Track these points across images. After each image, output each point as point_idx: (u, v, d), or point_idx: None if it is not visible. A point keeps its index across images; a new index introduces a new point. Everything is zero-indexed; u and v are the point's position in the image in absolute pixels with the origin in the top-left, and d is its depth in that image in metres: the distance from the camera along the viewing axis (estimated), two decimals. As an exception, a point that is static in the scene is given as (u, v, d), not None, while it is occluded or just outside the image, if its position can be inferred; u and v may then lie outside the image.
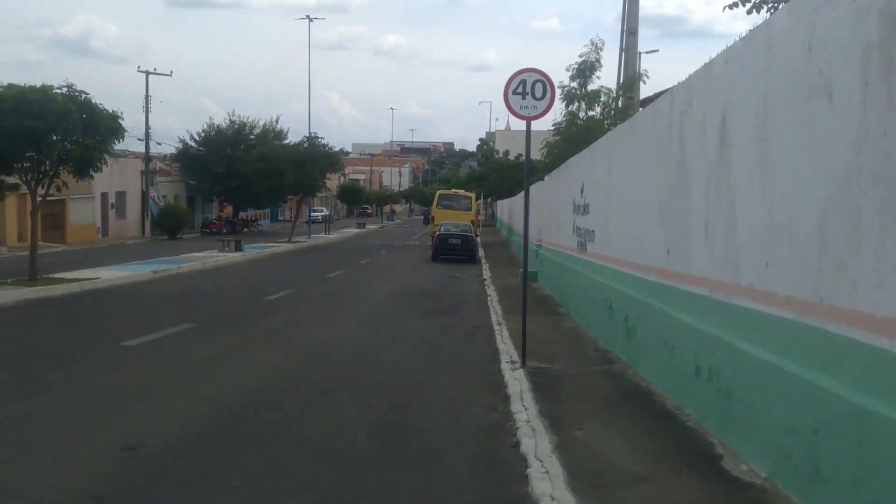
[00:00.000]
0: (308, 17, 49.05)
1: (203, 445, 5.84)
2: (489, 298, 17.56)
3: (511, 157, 76.93)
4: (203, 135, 55.39)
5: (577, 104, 17.50)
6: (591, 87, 17.74)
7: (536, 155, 61.97)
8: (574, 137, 16.82)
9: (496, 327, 12.70)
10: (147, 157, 48.20)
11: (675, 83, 7.87)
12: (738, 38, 5.88)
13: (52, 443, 5.82)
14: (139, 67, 47.69)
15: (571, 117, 17.60)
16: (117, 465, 5.32)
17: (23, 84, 16.41)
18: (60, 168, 17.80)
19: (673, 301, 7.40)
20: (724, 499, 4.73)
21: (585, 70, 17.34)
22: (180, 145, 55.26)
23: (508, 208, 46.78)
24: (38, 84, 16.51)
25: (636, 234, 9.09)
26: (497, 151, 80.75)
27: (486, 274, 24.33)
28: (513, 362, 9.17)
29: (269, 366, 9.20)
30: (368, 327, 12.70)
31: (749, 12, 6.83)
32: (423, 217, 74.06)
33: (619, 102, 17.78)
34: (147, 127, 47.76)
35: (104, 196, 45.03)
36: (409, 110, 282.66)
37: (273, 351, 10.27)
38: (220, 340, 10.97)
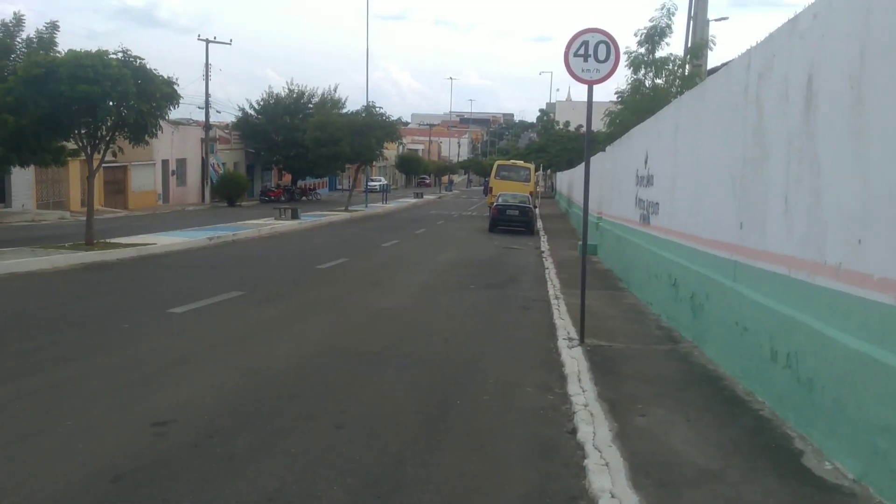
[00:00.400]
0: (367, -17, 48.36)
1: (238, 423, 5.55)
2: (546, 271, 17.04)
3: (571, 128, 75.75)
4: (262, 103, 55.64)
5: (643, 71, 16.63)
6: (659, 53, 16.88)
7: (598, 126, 60.66)
8: (639, 106, 16.01)
9: (553, 301, 12.21)
10: (207, 125, 48.62)
11: (744, 51, 7.20)
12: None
13: (81, 415, 5.61)
14: (199, 36, 47.95)
15: (637, 84, 16.75)
16: (145, 442, 5.06)
17: (79, 49, 16.40)
18: (116, 134, 17.84)
19: (745, 279, 6.80)
20: (807, 502, 4.21)
21: (655, 35, 16.37)
22: (240, 114, 55.61)
23: (568, 180, 45.88)
24: (94, 49, 16.48)
25: (704, 207, 8.47)
26: (557, 122, 79.32)
27: (545, 246, 23.76)
28: (570, 339, 8.69)
29: (316, 336, 8.92)
30: (421, 298, 12.35)
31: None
32: (482, 187, 73.31)
33: (686, 70, 16.85)
34: (207, 95, 48.13)
35: (165, 163, 45.71)
36: (468, 80, 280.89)
37: (321, 321, 9.99)
38: (268, 309, 10.74)
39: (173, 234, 22.58)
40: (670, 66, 16.35)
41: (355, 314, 10.56)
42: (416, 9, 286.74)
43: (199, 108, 48.12)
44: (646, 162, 12.98)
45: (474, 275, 16.19)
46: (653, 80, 16.52)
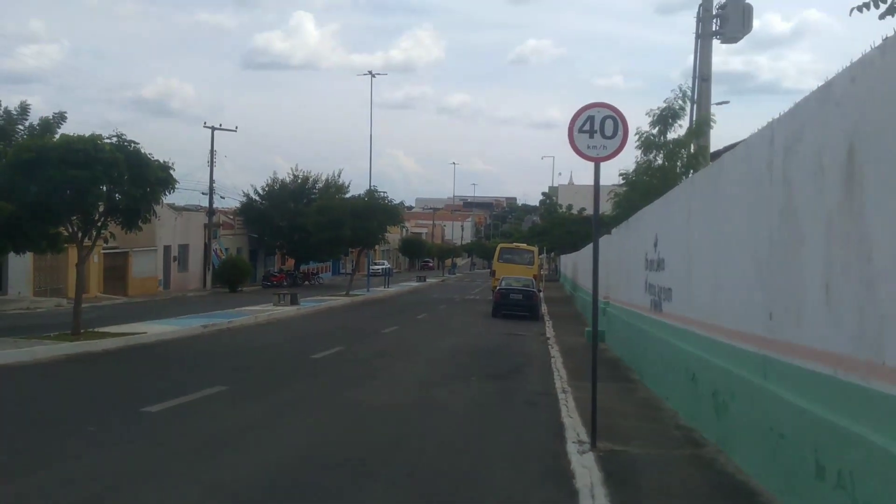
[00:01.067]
0: (370, 72, 49.19)
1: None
2: (553, 360, 16.19)
3: (574, 211, 75.81)
4: (267, 189, 55.81)
5: (654, 153, 16.21)
6: (671, 135, 16.45)
7: (603, 208, 60.18)
8: (647, 188, 15.50)
9: (560, 395, 11.34)
10: (210, 211, 48.54)
11: (765, 125, 6.62)
12: (869, 49, 4.62)
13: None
14: (205, 123, 48.37)
15: (647, 165, 16.29)
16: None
17: (72, 134, 16.06)
18: (108, 219, 17.35)
19: (779, 377, 6.00)
20: None
21: (668, 117, 16.02)
22: (244, 199, 55.65)
23: (573, 263, 45.31)
24: (89, 134, 16.12)
25: (726, 295, 7.74)
26: (560, 205, 79.49)
27: (550, 332, 22.91)
28: (581, 443, 7.82)
29: (297, 441, 8.05)
30: (418, 392, 11.48)
31: (882, 17, 5.56)
32: (487, 269, 72.76)
33: (691, 149, 16.40)
34: (211, 181, 48.23)
35: (167, 249, 45.36)
36: (472, 166, 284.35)
37: (307, 421, 9.12)
38: (251, 407, 9.90)
39: (167, 322, 21.83)
40: (683, 149, 15.93)
41: (344, 414, 9.69)
42: (420, 98, 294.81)
43: (202, 193, 48.10)
44: (655, 245, 12.32)
45: (476, 364, 15.34)
46: (662, 162, 16.03)
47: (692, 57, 16.56)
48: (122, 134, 16.53)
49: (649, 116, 16.46)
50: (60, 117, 22.91)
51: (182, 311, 27.31)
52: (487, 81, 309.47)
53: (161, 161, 17.37)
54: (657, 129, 16.17)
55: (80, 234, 17.10)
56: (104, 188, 16.20)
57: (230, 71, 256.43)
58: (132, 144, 16.50)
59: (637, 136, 16.23)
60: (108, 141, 16.25)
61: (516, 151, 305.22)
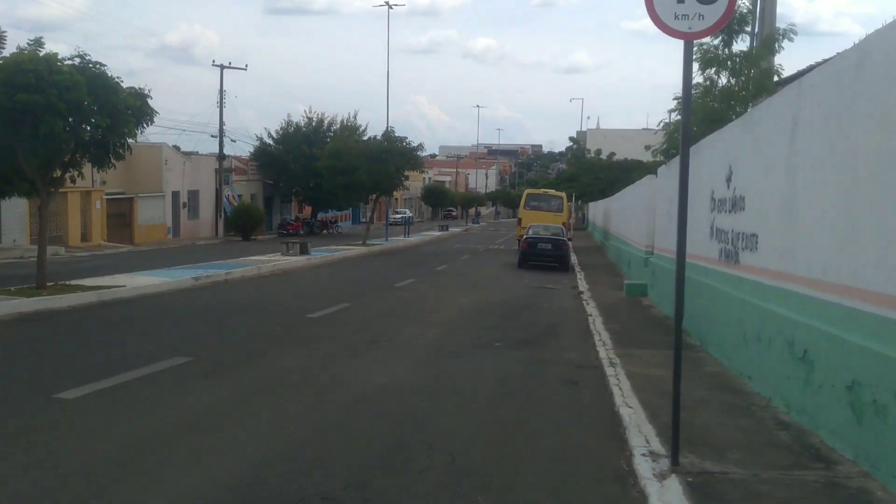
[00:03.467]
0: (387, 2, 45.85)
1: None
2: (590, 319, 13.80)
3: (603, 156, 72.65)
4: (281, 132, 53.25)
5: (714, 69, 13.27)
6: (737, 47, 13.45)
7: (638, 152, 56.82)
8: (707, 113, 12.74)
9: (608, 369, 8.95)
10: (221, 155, 46.20)
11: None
12: None
13: None
14: (214, 61, 45.70)
15: (707, 85, 13.42)
16: None
17: (24, 51, 13.64)
18: (78, 156, 15.03)
19: None
20: None
21: (733, 23, 12.91)
22: (258, 143, 53.17)
23: (604, 210, 42.56)
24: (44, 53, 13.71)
25: (870, 245, 5.24)
26: (588, 151, 76.22)
27: (583, 285, 20.47)
28: (654, 455, 5.42)
29: (252, 448, 5.73)
30: (428, 367, 9.14)
31: None
32: (515, 218, 70.31)
33: (757, 66, 13.44)
34: (221, 123, 45.79)
35: (175, 195, 43.25)
36: (496, 112, 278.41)
37: (271, 416, 6.77)
38: (207, 390, 7.60)
39: (157, 273, 19.65)
40: (752, 68, 12.86)
41: (327, 400, 7.34)
42: (444, 42, 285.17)
43: (211, 136, 45.72)
44: (728, 180, 9.74)
45: (501, 325, 12.98)
46: (727, 81, 13.18)
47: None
48: (85, 54, 14.11)
49: None
50: (38, 43, 20.42)
51: (186, 260, 25.25)
52: (513, 25, 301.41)
53: (136, 88, 14.96)
54: (719, 38, 13.19)
55: (41, 174, 14.73)
56: (62, 118, 13.75)
57: (253, 16, 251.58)
58: (97, 66, 14.09)
59: (697, 50, 13.35)
60: (70, 62, 13.85)
61: (542, 97, 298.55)
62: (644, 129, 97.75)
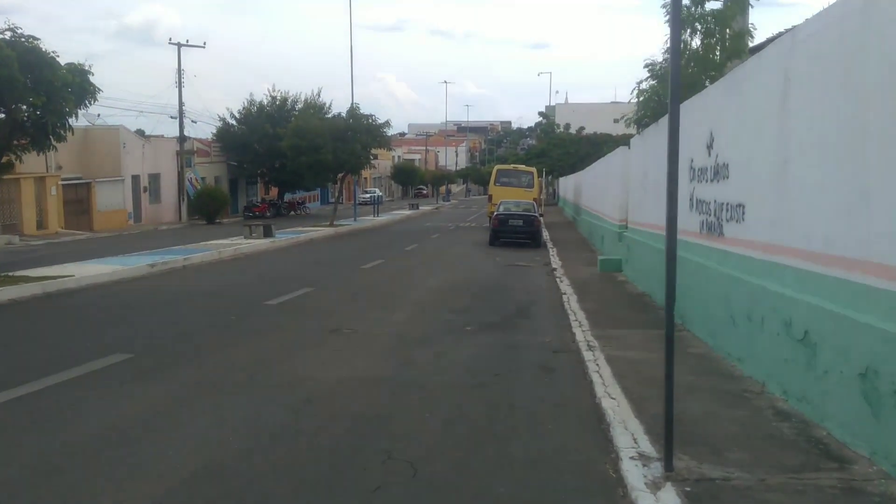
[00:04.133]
0: (350, -23, 44.34)
1: None
2: (565, 297, 13.16)
3: (573, 130, 72.10)
4: (243, 112, 51.82)
5: (687, 31, 12.51)
6: (710, 5, 12.68)
7: (608, 126, 56.25)
8: (685, 77, 12.06)
9: (586, 353, 8.30)
10: (181, 136, 44.78)
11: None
12: None
13: None
14: (170, 39, 44.17)
15: (681, 48, 12.72)
16: None
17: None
18: (16, 139, 14.03)
19: None
20: None
21: None
22: (220, 124, 51.68)
23: (575, 184, 41.99)
24: None
25: (880, 209, 4.60)
26: (558, 125, 75.59)
27: (556, 261, 19.85)
28: (643, 458, 4.76)
29: (191, 460, 4.99)
30: (392, 357, 8.42)
31: None
32: (486, 195, 69.78)
33: (728, 27, 12.67)
34: (181, 103, 44.33)
35: (135, 179, 41.92)
36: (466, 89, 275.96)
37: (218, 418, 6.02)
38: (145, 392, 6.82)
39: (111, 261, 18.67)
40: (725, 28, 12.10)
41: (276, 401, 6.57)
42: (412, 20, 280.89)
43: (170, 117, 44.31)
44: (709, 147, 9.10)
45: (471, 307, 12.29)
46: (701, 42, 12.45)
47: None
48: (16, 27, 13.08)
49: None
50: None
51: (144, 245, 24.21)
52: (481, 0, 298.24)
53: (75, 63, 13.96)
54: None
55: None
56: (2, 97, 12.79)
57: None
58: (30, 40, 13.07)
59: (664, 8, 12.58)
60: (0, 36, 12.82)
61: (511, 73, 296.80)
62: (613, 102, 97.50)
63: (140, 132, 47.75)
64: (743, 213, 7.72)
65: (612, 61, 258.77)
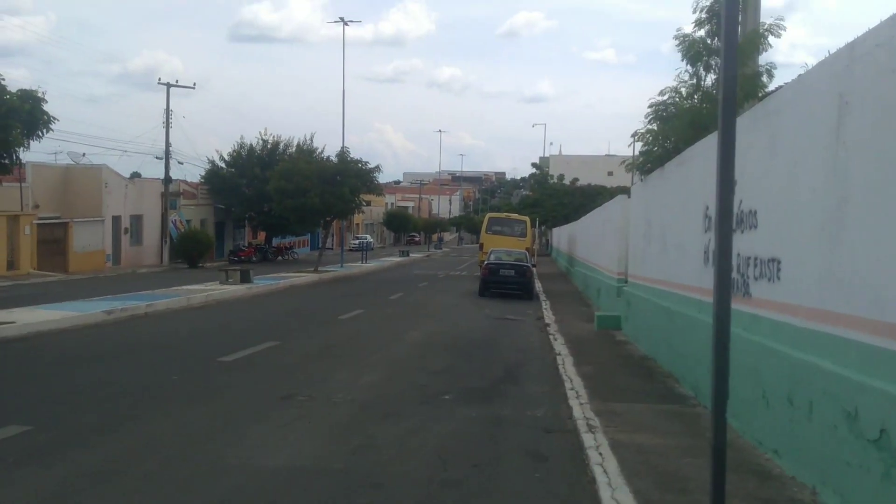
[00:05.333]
0: (342, 19, 43.79)
1: None
2: (559, 358, 11.75)
3: (567, 181, 71.35)
4: (233, 155, 50.74)
5: (699, 65, 11.22)
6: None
7: (601, 178, 55.65)
8: (694, 117, 10.74)
9: (586, 436, 6.84)
10: (167, 177, 43.58)
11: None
12: None
13: None
14: (160, 80, 43.23)
15: (692, 85, 11.37)
16: None
17: None
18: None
19: None
20: None
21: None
22: (209, 166, 50.52)
23: (569, 234, 40.80)
24: None
25: None
26: (551, 176, 74.88)
27: (549, 315, 18.45)
28: None
29: None
30: (349, 436, 6.93)
31: None
32: (478, 244, 68.53)
33: (743, 64, 11.44)
34: (167, 144, 43.24)
35: (116, 220, 40.46)
36: (461, 140, 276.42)
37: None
38: (33, 479, 5.34)
39: (65, 306, 17.16)
40: (745, 60, 10.87)
41: (186, 500, 5.09)
42: (410, 72, 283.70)
43: (156, 157, 43.14)
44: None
45: (453, 368, 10.84)
46: (716, 79, 11.20)
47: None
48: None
49: (695, 12, 11.40)
50: None
51: (114, 289, 22.71)
52: (478, 55, 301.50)
53: (26, 89, 12.70)
54: (705, 29, 11.23)
55: None
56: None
57: (217, 44, 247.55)
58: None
59: (678, 42, 11.33)
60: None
61: (506, 126, 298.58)
62: (607, 155, 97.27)
63: (137, 175, 46.63)
64: (777, 270, 6.37)
65: (606, 115, 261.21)
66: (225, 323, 16.09)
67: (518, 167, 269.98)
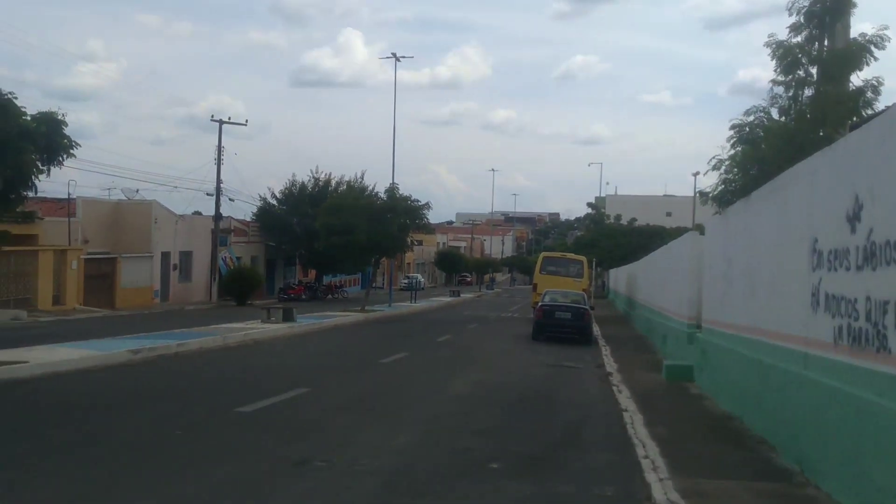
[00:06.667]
0: (394, 54, 43.22)
1: None
2: (626, 415, 10.16)
3: (624, 221, 69.41)
4: (285, 192, 50.34)
5: (802, 70, 9.61)
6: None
7: (659, 219, 53.70)
8: (789, 135, 9.13)
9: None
10: (217, 214, 43.14)
11: None
12: None
13: None
14: (213, 116, 43.08)
15: (789, 98, 9.74)
16: None
17: None
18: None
19: None
20: None
21: (825, 13, 9.18)
22: (261, 203, 50.15)
23: (628, 276, 38.89)
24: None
25: None
26: (608, 216, 72.98)
27: (610, 363, 16.78)
28: None
29: None
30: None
31: None
32: (531, 284, 66.42)
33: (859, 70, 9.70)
34: (218, 181, 42.83)
35: (165, 256, 40.07)
36: (515, 182, 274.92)
37: None
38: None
39: (90, 344, 16.14)
40: (854, 68, 9.23)
41: None
42: (465, 114, 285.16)
43: (207, 194, 42.79)
44: (853, 218, 6.20)
45: (502, 427, 9.32)
46: (817, 88, 9.55)
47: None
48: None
49: (791, 14, 9.71)
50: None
51: (155, 327, 21.89)
52: (533, 98, 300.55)
53: (46, 111, 11.80)
54: (803, 34, 9.60)
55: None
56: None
57: (279, 88, 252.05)
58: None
59: (771, 50, 9.66)
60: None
61: (560, 168, 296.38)
62: (666, 195, 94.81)
63: (198, 213, 46.44)
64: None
65: (663, 158, 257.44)
66: (253, 365, 14.84)
67: (572, 209, 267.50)
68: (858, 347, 6.02)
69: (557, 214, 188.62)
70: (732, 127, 10.82)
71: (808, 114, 9.17)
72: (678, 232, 34.81)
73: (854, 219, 6.20)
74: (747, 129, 10.55)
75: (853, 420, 5.94)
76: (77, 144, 12.33)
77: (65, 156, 12.21)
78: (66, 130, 12.08)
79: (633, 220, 70.31)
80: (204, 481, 6.30)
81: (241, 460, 7.06)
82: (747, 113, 10.67)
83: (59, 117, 11.95)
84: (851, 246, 6.23)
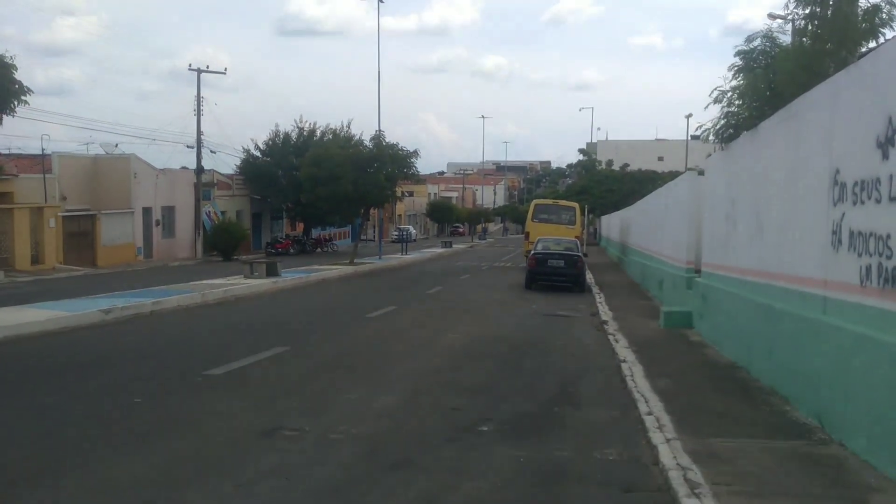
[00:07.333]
0: (376, -6, 41.18)
1: None
2: (625, 367, 9.52)
3: (616, 167, 68.52)
4: (269, 143, 48.94)
5: None
6: None
7: (651, 163, 52.91)
8: (802, 58, 8.27)
9: (684, 497, 4.60)
10: (198, 167, 41.95)
11: None
12: None
13: None
14: (190, 66, 41.59)
15: (807, 16, 8.78)
16: None
17: None
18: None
19: None
20: None
21: None
22: (244, 155, 48.80)
23: (621, 221, 38.21)
24: None
25: None
26: (599, 162, 72.00)
27: (605, 311, 16.15)
28: None
29: None
30: (336, 500, 4.79)
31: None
32: (523, 233, 65.84)
33: None
34: (199, 133, 41.53)
35: (147, 211, 38.98)
36: (505, 129, 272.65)
37: None
38: None
39: (62, 304, 15.37)
40: None
41: None
42: (454, 61, 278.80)
43: (187, 146, 41.56)
44: (885, 144, 5.43)
45: (493, 384, 8.65)
46: (832, 5, 8.62)
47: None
48: None
49: None
50: None
51: (133, 284, 21.16)
52: (523, 43, 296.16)
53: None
54: None
55: None
56: None
57: (263, 38, 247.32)
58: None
59: None
60: None
61: (551, 114, 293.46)
62: (657, 139, 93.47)
63: (185, 168, 45.20)
64: None
65: (653, 103, 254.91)
66: (234, 323, 14.11)
67: (564, 156, 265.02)
68: (892, 288, 5.31)
69: (549, 162, 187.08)
70: (738, 53, 9.93)
71: (825, 35, 8.29)
72: (671, 176, 33.98)
73: (887, 143, 5.43)
74: (758, 55, 9.64)
75: (886, 369, 5.26)
76: (30, 90, 11.37)
77: (16, 102, 11.26)
78: (46, 84, 11.20)
79: (625, 165, 69.46)
80: (155, 459, 5.58)
81: (201, 432, 6.36)
82: (749, 40, 9.80)
83: (8, 60, 10.97)
84: (883, 175, 5.48)
